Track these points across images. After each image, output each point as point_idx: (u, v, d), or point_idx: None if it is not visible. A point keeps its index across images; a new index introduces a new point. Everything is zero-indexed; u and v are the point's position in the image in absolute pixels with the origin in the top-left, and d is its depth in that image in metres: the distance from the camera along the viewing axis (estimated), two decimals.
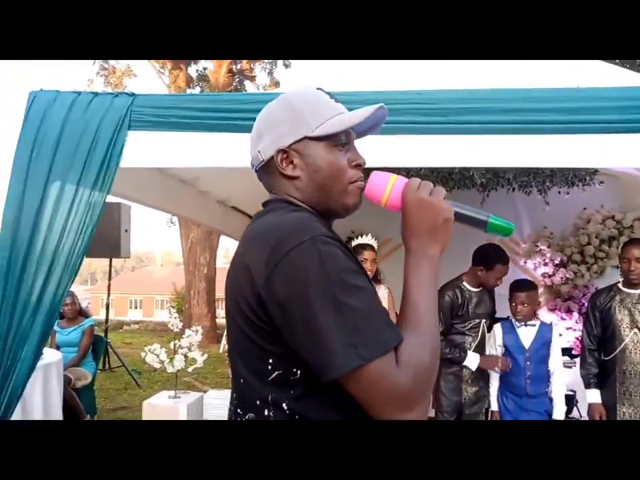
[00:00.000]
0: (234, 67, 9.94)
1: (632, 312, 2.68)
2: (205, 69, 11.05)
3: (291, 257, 0.77)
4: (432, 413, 3.04)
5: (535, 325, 2.80)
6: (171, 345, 3.48)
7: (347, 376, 0.75)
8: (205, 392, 4.31)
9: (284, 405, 0.82)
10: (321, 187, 0.92)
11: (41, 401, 2.95)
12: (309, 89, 0.98)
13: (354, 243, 3.19)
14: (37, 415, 2.85)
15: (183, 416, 3.16)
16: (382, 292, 3.10)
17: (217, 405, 3.42)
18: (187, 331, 3.61)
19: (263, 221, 0.90)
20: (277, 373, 0.82)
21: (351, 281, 0.77)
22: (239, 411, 0.89)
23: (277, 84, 11.76)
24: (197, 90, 11.32)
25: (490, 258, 2.95)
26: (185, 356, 3.34)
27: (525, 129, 2.03)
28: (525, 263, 5.08)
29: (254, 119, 2.15)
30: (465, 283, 3.00)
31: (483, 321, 2.97)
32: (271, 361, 0.82)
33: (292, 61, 12.01)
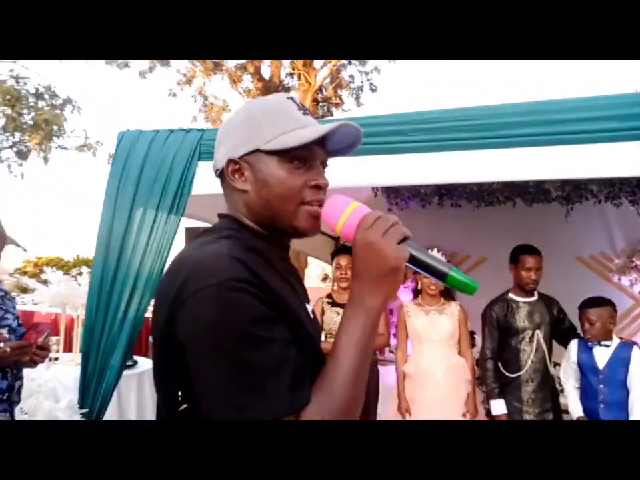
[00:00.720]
0: (319, 95, 10.38)
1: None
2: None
3: (191, 303, 0.71)
4: None
5: (609, 345, 2.62)
6: None
7: None
8: None
9: None
10: (267, 204, 0.85)
11: (135, 407, 3.25)
12: (274, 98, 0.90)
13: None
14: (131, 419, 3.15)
15: None
16: (452, 309, 3.07)
17: None
18: None
19: (189, 248, 0.84)
20: (184, 406, 0.77)
21: (255, 333, 0.70)
22: None
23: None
24: None
25: (514, 252, 2.88)
26: None
27: (573, 140, 2.00)
28: (619, 279, 4.72)
29: None
30: (510, 294, 2.90)
31: (537, 331, 2.79)
32: (180, 393, 0.77)
33: (378, 85, 12.24)
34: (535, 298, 2.87)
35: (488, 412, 2.84)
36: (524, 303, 2.85)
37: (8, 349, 1.73)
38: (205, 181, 2.47)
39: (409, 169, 2.28)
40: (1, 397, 1.80)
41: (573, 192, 4.09)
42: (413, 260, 0.80)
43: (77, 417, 2.29)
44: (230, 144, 0.88)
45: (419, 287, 3.19)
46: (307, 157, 0.85)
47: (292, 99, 0.89)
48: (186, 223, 3.41)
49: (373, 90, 12.28)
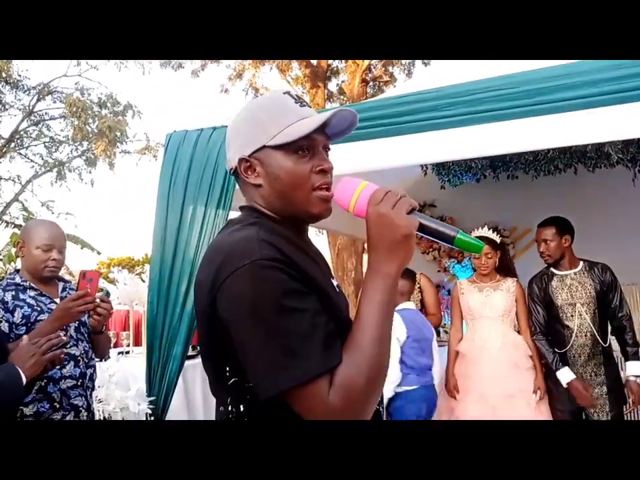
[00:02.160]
0: (368, 75, 10.24)
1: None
2: (342, 81, 11.52)
3: (229, 283, 0.79)
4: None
5: None
6: None
7: (279, 396, 0.77)
8: None
9: (241, 407, 0.85)
10: (281, 195, 0.92)
11: (201, 393, 3.41)
12: (272, 95, 0.97)
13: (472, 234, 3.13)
14: (198, 412, 3.30)
15: None
16: (508, 284, 2.98)
17: None
18: None
19: (219, 237, 0.93)
20: (233, 379, 0.85)
21: (288, 304, 0.77)
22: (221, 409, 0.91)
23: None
24: (337, 104, 11.85)
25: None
26: None
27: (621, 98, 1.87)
28: None
29: (364, 127, 2.27)
30: (551, 267, 2.78)
31: (578, 305, 2.65)
32: (228, 368, 0.86)
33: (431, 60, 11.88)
34: (577, 269, 2.73)
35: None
36: (563, 275, 2.73)
37: (69, 303, 1.80)
38: None
39: (453, 144, 2.23)
40: (76, 383, 1.94)
41: (639, 153, 3.83)
42: (422, 228, 0.87)
43: (145, 405, 2.44)
44: (239, 143, 0.95)
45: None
46: (309, 146, 0.91)
47: (288, 93, 0.96)
48: (233, 215, 3.51)
49: (426, 63, 11.92)
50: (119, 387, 2.83)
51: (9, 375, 1.37)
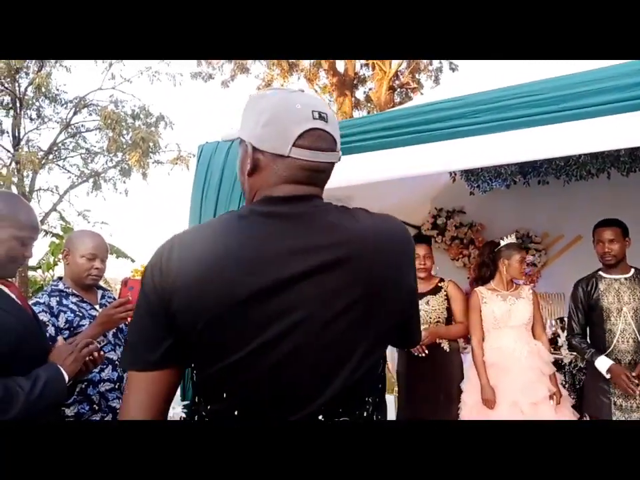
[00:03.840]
0: (395, 82, 10.26)
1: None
2: (370, 89, 11.57)
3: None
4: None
5: None
6: None
7: None
8: None
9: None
10: None
11: None
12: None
13: (502, 243, 3.11)
14: None
15: None
16: (526, 292, 3.01)
17: None
18: None
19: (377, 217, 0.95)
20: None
21: None
22: (320, 417, 0.87)
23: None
24: (364, 112, 11.89)
25: (593, 229, 2.76)
26: None
27: None
28: None
29: (366, 139, 2.35)
30: (600, 271, 2.75)
31: (624, 310, 2.60)
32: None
33: (459, 64, 11.80)
34: (628, 275, 2.68)
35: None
36: (612, 279, 2.69)
37: (111, 310, 1.86)
38: None
39: (482, 151, 2.24)
40: (113, 386, 2.03)
41: None
42: None
43: (179, 409, 2.52)
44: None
45: (485, 274, 3.10)
46: None
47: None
48: None
49: (453, 69, 11.87)
50: None
51: (53, 372, 1.44)
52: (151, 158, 11.75)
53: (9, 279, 1.52)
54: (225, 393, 0.85)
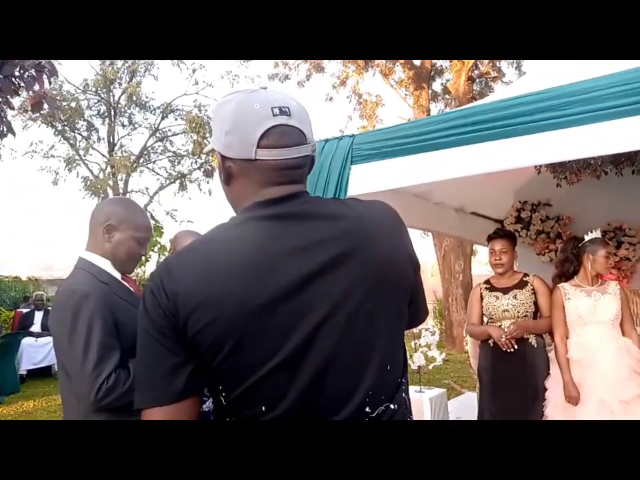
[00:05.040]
0: (474, 72, 9.97)
1: None
2: (447, 80, 11.32)
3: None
4: None
5: None
6: (412, 344, 3.74)
7: None
8: (462, 393, 4.48)
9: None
10: None
11: None
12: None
13: (586, 238, 3.01)
14: None
15: (427, 408, 3.47)
16: (613, 287, 2.90)
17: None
18: (423, 332, 3.91)
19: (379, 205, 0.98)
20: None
21: None
22: (367, 409, 0.86)
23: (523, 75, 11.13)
24: (442, 104, 11.67)
25: None
26: (425, 354, 3.64)
27: None
28: None
29: (449, 135, 2.37)
30: None
31: None
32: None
33: None
34: None
35: None
36: None
37: None
38: (358, 183, 2.67)
39: (568, 144, 2.19)
40: None
41: None
42: None
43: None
44: None
45: (568, 270, 3.01)
46: None
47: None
48: None
49: None
50: None
51: None
52: None
53: (128, 275, 1.71)
54: (264, 406, 0.82)
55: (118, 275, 1.62)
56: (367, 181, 2.67)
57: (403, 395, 0.92)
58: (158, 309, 0.81)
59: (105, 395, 1.40)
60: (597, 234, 3.00)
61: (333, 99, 11.67)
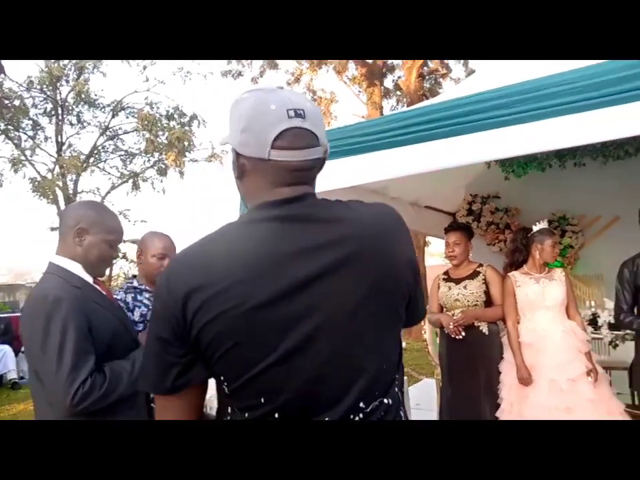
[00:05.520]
0: (423, 69, 10.23)
1: None
2: (399, 77, 11.56)
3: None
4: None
5: None
6: None
7: None
8: (420, 380, 4.61)
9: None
10: None
11: None
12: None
13: (534, 228, 3.19)
14: None
15: None
16: (558, 274, 3.10)
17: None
18: None
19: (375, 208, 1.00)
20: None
21: None
22: (361, 404, 0.90)
23: (471, 73, 11.50)
24: (394, 100, 11.91)
25: None
26: None
27: None
28: None
29: (405, 133, 2.46)
30: None
31: None
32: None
33: None
34: None
35: None
36: None
37: None
38: (317, 180, 2.74)
39: (518, 140, 2.33)
40: None
41: None
42: None
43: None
44: None
45: (518, 259, 3.21)
46: None
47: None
48: None
49: None
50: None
51: None
52: (186, 157, 12.10)
53: (99, 278, 1.72)
54: (263, 398, 0.86)
55: (90, 279, 1.63)
56: (326, 178, 2.72)
57: (396, 389, 0.96)
58: (168, 302, 0.86)
59: (80, 400, 1.41)
60: (544, 224, 3.18)
61: None
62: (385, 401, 0.93)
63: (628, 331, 3.53)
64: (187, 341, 0.86)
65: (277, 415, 0.86)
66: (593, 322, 4.16)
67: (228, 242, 0.89)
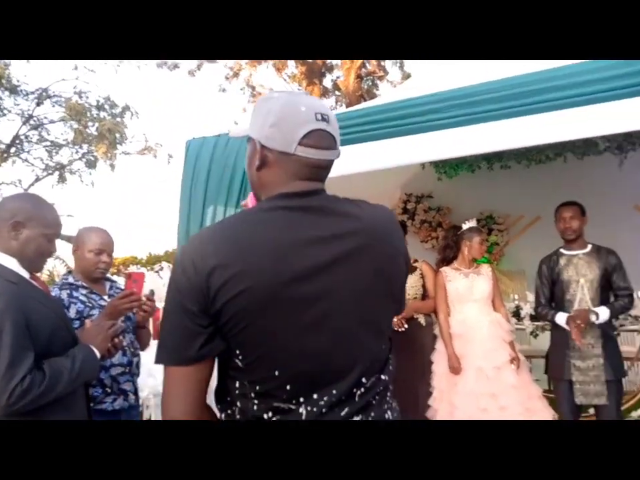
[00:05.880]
0: (362, 71, 10.43)
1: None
2: (337, 77, 11.71)
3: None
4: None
5: None
6: None
7: None
8: None
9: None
10: None
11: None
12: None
13: (464, 226, 3.37)
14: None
15: None
16: (485, 270, 3.33)
17: None
18: None
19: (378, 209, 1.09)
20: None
21: None
22: (363, 380, 0.98)
23: (407, 76, 11.84)
24: (333, 100, 12.03)
25: (555, 210, 3.03)
26: None
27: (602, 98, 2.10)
28: None
29: (345, 134, 2.52)
30: (561, 249, 3.03)
31: (581, 281, 2.89)
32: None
33: None
34: (585, 250, 2.96)
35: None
36: (571, 255, 2.97)
37: (117, 301, 1.96)
38: None
39: (451, 143, 2.46)
40: (124, 370, 2.20)
41: (625, 141, 4.07)
42: None
43: None
44: None
45: (449, 255, 3.40)
46: None
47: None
48: None
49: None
50: (151, 375, 3.08)
51: (87, 351, 1.60)
52: (118, 149, 11.62)
53: (36, 274, 1.66)
54: (278, 370, 0.93)
55: (26, 274, 1.57)
56: None
57: (390, 367, 1.07)
58: (192, 277, 0.91)
59: (19, 398, 1.37)
60: (472, 223, 3.38)
61: (226, 90, 11.54)
62: (382, 377, 1.03)
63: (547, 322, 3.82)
64: (208, 314, 0.91)
65: (288, 387, 0.93)
66: (516, 314, 4.47)
67: (250, 225, 0.96)
